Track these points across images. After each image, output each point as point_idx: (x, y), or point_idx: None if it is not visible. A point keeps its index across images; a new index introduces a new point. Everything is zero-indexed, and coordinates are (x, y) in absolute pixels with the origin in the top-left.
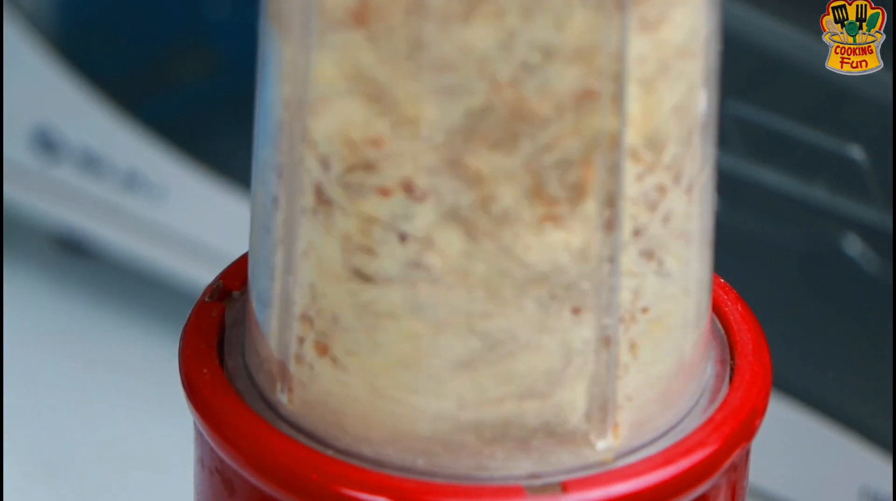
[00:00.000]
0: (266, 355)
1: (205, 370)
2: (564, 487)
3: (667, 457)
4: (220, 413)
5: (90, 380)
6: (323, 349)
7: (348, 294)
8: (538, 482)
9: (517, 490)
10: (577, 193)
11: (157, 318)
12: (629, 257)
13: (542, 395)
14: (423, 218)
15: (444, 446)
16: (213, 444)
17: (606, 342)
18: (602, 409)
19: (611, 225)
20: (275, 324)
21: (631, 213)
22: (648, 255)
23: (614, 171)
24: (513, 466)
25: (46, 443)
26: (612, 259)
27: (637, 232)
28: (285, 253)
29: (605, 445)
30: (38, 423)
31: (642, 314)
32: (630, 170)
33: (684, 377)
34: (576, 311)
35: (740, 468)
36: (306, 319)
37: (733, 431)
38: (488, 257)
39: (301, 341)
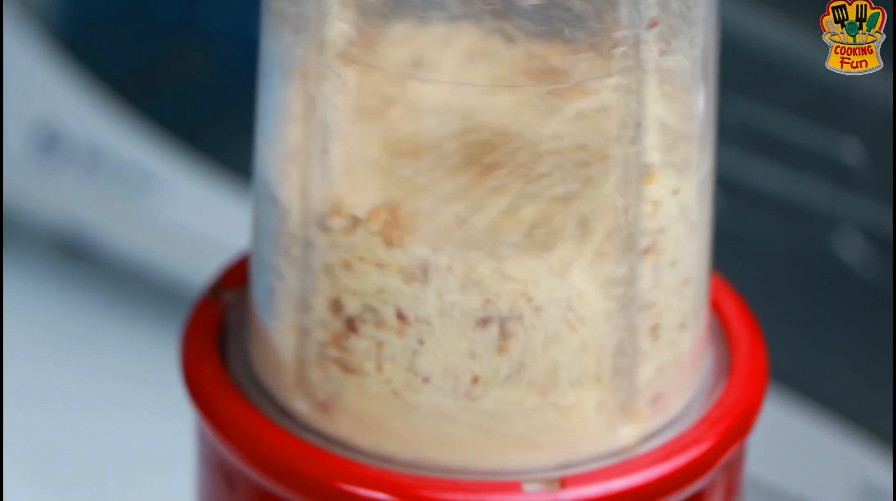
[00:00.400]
0: (276, 354)
1: (206, 367)
2: (563, 483)
3: (663, 454)
4: (221, 410)
5: (91, 379)
6: (340, 349)
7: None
8: (565, 472)
9: (514, 486)
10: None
11: (157, 316)
12: (647, 249)
13: (569, 386)
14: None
15: (469, 444)
16: (214, 441)
17: (632, 330)
18: (626, 396)
19: (628, 212)
20: (287, 325)
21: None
22: (658, 250)
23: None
24: (543, 458)
25: (47, 444)
26: (633, 250)
27: (649, 228)
28: (304, 258)
29: (629, 430)
30: (39, 424)
31: (660, 301)
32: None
33: (693, 360)
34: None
35: (736, 464)
36: (324, 322)
37: (729, 428)
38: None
39: (321, 345)
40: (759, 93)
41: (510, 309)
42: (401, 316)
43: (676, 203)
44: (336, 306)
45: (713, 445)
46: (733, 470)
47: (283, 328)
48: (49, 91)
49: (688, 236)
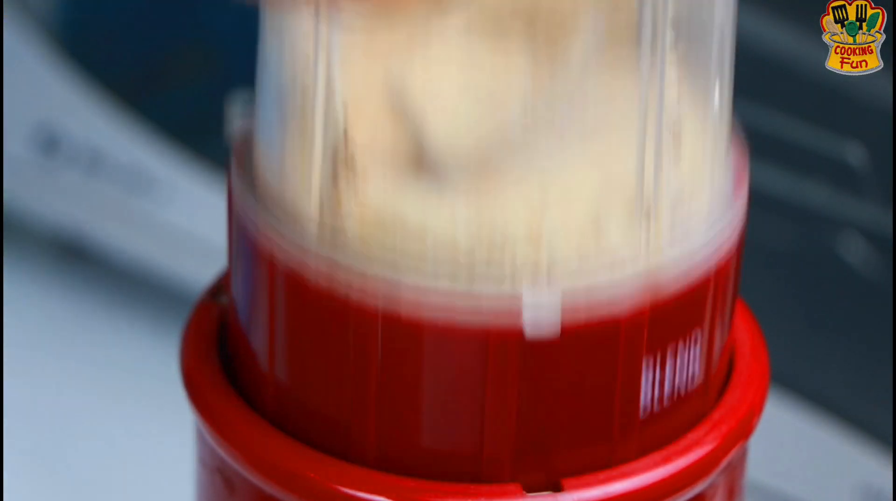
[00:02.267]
0: None
1: (205, 371)
2: (562, 486)
3: (664, 456)
4: (220, 413)
5: (90, 380)
6: None
7: None
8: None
9: (514, 489)
10: None
11: (157, 317)
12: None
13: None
14: None
15: None
16: (213, 444)
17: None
18: (650, 204)
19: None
20: None
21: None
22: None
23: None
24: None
25: (47, 445)
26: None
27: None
28: None
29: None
30: (39, 425)
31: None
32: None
33: (710, 177)
34: None
35: (738, 466)
36: None
37: (731, 430)
38: None
39: None
40: (760, 94)
41: None
42: None
43: None
44: None
45: (714, 447)
46: (734, 473)
47: None
48: (49, 93)
49: None
